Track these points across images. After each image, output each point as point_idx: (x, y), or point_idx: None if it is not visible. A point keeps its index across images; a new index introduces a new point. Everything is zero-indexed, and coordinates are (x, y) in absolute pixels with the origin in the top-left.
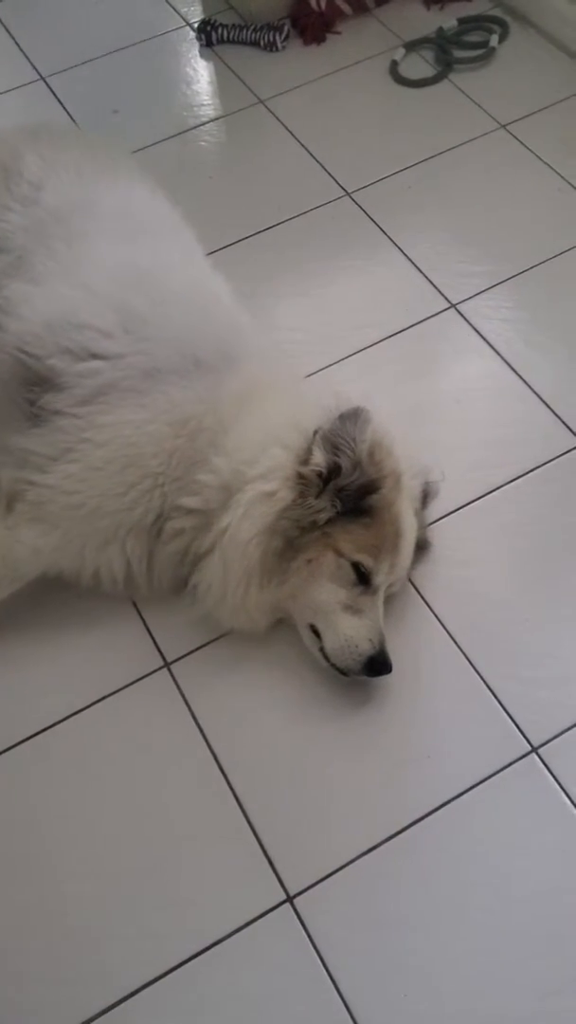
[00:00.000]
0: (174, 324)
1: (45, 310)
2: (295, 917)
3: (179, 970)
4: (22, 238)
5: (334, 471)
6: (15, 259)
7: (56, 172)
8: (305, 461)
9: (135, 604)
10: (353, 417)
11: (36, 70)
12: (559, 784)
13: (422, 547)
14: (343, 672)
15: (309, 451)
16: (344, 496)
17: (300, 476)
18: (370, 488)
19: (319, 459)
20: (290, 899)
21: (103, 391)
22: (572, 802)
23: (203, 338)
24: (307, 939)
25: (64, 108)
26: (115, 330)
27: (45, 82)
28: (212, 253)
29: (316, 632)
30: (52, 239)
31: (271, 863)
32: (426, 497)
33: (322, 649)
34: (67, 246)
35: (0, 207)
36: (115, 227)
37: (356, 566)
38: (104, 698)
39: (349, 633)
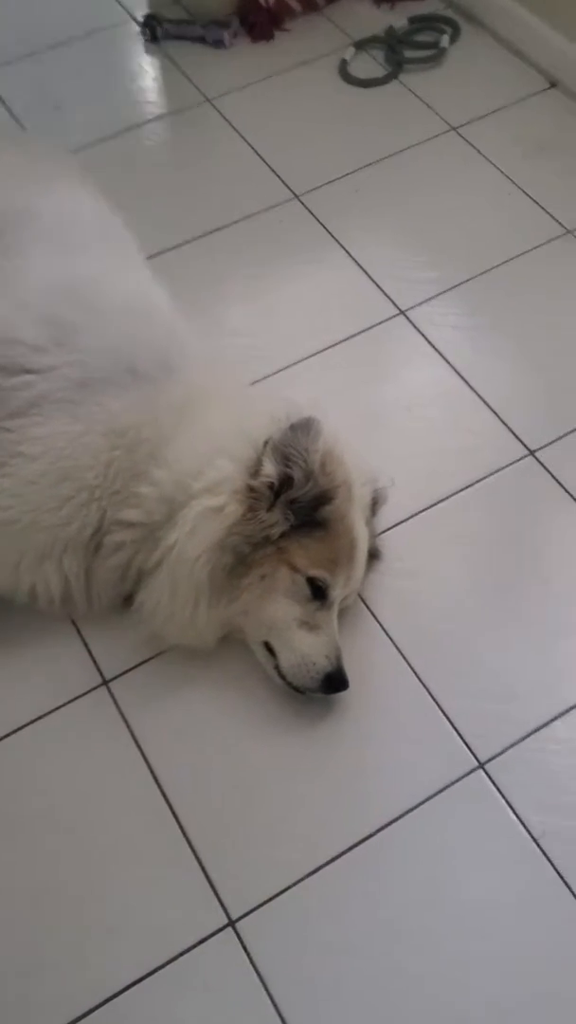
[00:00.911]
0: (108, 334)
1: None
2: (237, 942)
3: (116, 999)
4: None
5: (285, 483)
6: None
7: None
8: (255, 473)
9: (73, 620)
10: (305, 427)
11: None
12: (506, 800)
13: (373, 557)
14: (299, 690)
15: (259, 462)
16: (296, 508)
17: (250, 489)
18: (323, 499)
19: (270, 470)
20: (232, 923)
21: (36, 403)
22: (519, 818)
23: (140, 347)
24: (250, 964)
25: (4, 104)
26: (47, 344)
27: None
28: (156, 256)
29: (270, 649)
30: None
31: (212, 886)
32: (376, 504)
33: (277, 667)
34: (2, 259)
35: None
36: (51, 236)
37: (311, 581)
38: (40, 718)
39: (306, 650)
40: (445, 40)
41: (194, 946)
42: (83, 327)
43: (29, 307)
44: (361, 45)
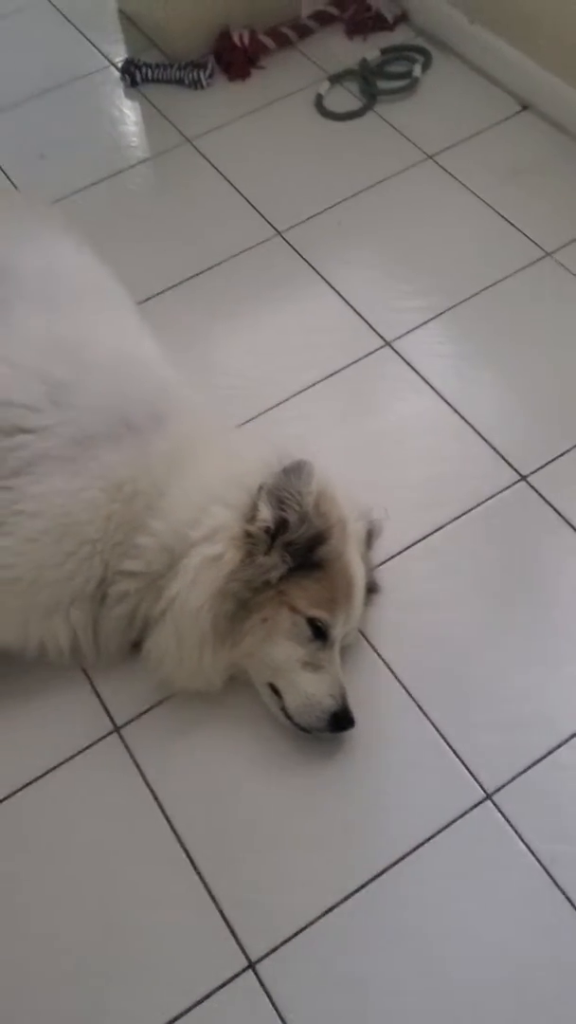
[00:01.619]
0: (101, 390)
1: None
2: (258, 984)
3: None
4: None
5: (281, 526)
6: None
7: None
8: (251, 518)
9: (83, 668)
10: (297, 470)
11: None
12: (514, 829)
13: (371, 590)
14: (306, 730)
15: (254, 507)
16: (293, 551)
17: (247, 534)
18: (319, 540)
19: (266, 515)
20: (252, 965)
21: (33, 462)
22: (528, 847)
23: (131, 400)
24: (271, 1006)
25: None
26: (42, 403)
27: None
28: (144, 302)
29: (275, 690)
30: None
31: (231, 928)
32: (371, 537)
33: (283, 708)
34: None
35: None
36: (37, 292)
37: (312, 621)
38: (54, 768)
39: (310, 690)
40: (417, 69)
41: (216, 990)
42: (75, 384)
43: (19, 367)
44: (336, 78)
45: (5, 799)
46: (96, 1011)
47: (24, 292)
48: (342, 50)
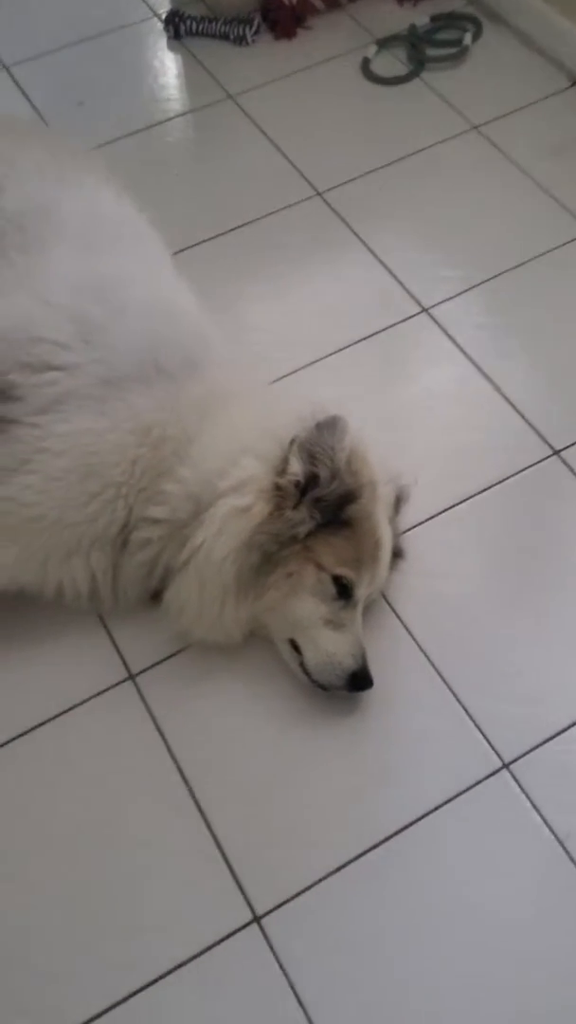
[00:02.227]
0: (134, 332)
1: (2, 323)
2: (262, 938)
3: (142, 993)
4: None
5: (311, 481)
6: None
7: (17, 174)
8: (281, 471)
9: (100, 614)
10: (331, 426)
11: (0, 59)
12: (530, 800)
13: (397, 556)
14: (324, 688)
15: (285, 461)
16: (322, 507)
17: (277, 487)
18: (349, 498)
19: (296, 469)
20: (257, 919)
21: (61, 400)
22: (543, 819)
23: (165, 345)
24: (275, 961)
25: (28, 99)
26: (73, 341)
27: (8, 72)
28: (178, 253)
29: (295, 647)
30: (11, 248)
31: (238, 882)
32: (398, 502)
33: (302, 664)
34: (26, 255)
35: None
36: (76, 233)
37: (337, 580)
38: (66, 712)
39: (331, 649)
40: (468, 38)
41: (220, 941)
42: (108, 324)
43: (54, 304)
44: (383, 43)
45: (16, 738)
46: (97, 955)
47: (63, 232)
48: (391, 15)
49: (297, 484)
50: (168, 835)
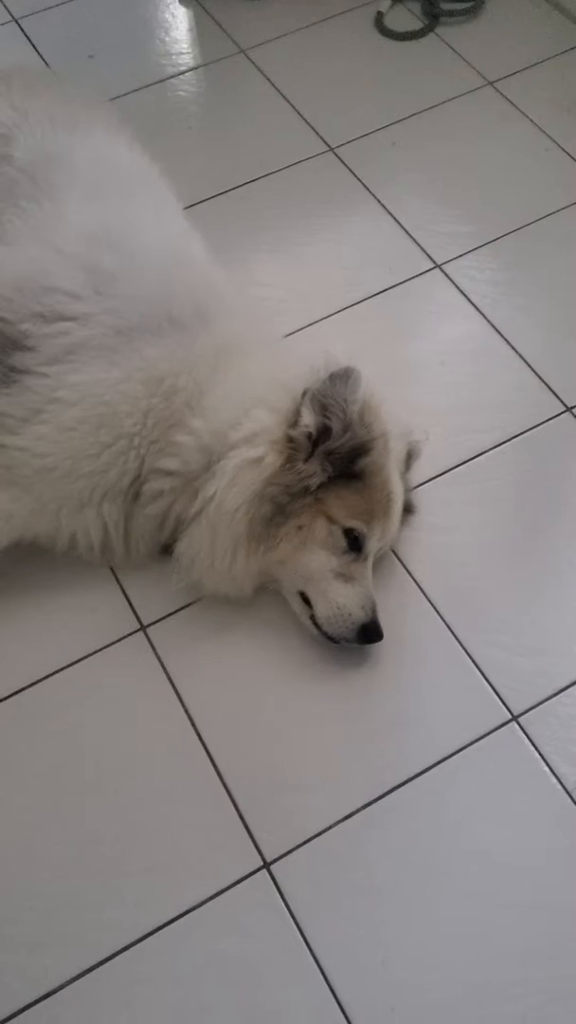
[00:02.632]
0: (146, 282)
1: (14, 272)
2: (272, 884)
3: (154, 936)
4: None
5: (324, 433)
6: None
7: (28, 123)
8: (293, 423)
9: (111, 568)
10: (344, 377)
11: (9, 11)
12: (539, 752)
13: (407, 511)
14: (334, 640)
15: (297, 412)
16: (334, 459)
17: (289, 439)
18: (361, 451)
19: (308, 420)
20: (267, 865)
21: (73, 350)
22: (551, 770)
23: (177, 296)
24: (284, 906)
25: (37, 51)
26: (85, 291)
27: (18, 24)
28: (190, 207)
29: (306, 599)
30: (22, 198)
31: (248, 828)
32: (410, 458)
33: (312, 617)
34: (38, 204)
35: None
36: (88, 183)
37: (348, 532)
38: (78, 661)
39: (341, 601)
40: None
41: (229, 887)
42: (120, 274)
43: (66, 254)
44: None
45: (30, 686)
46: (110, 899)
47: (74, 181)
48: None
49: (309, 436)
50: (179, 783)
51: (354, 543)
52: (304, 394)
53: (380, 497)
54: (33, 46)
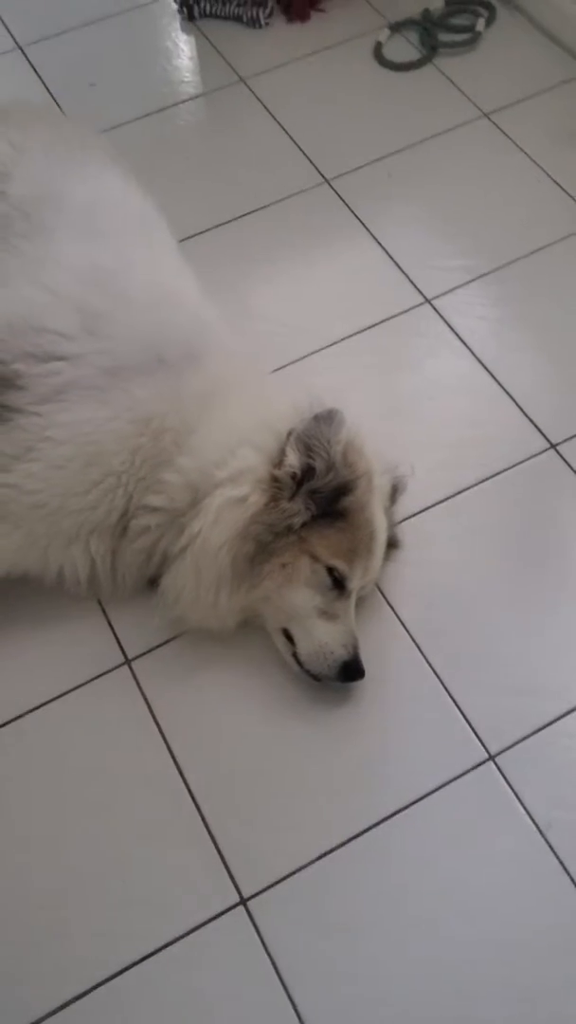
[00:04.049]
0: (137, 323)
1: (7, 312)
2: (248, 920)
3: (131, 971)
4: None
5: (307, 473)
6: None
7: (24, 160)
8: (278, 463)
9: (99, 600)
10: (328, 418)
11: (13, 39)
12: (514, 793)
13: (391, 546)
14: (315, 677)
15: (282, 452)
16: (318, 499)
17: (273, 479)
18: (344, 490)
19: (293, 460)
20: (244, 901)
21: (64, 390)
22: (526, 811)
23: (167, 337)
24: (260, 943)
25: (41, 79)
26: (76, 332)
27: (22, 51)
28: (185, 239)
29: (288, 636)
30: (16, 236)
31: (226, 864)
32: (395, 492)
33: (295, 654)
34: (31, 243)
35: None
36: (82, 222)
37: (331, 571)
38: (63, 694)
39: (324, 639)
40: (481, 24)
41: (206, 923)
42: (112, 315)
43: (58, 294)
44: (397, 27)
45: (13, 720)
46: (87, 932)
47: (68, 219)
48: None
49: (293, 476)
50: (159, 817)
51: (337, 581)
52: (289, 434)
53: (363, 536)
54: (37, 74)
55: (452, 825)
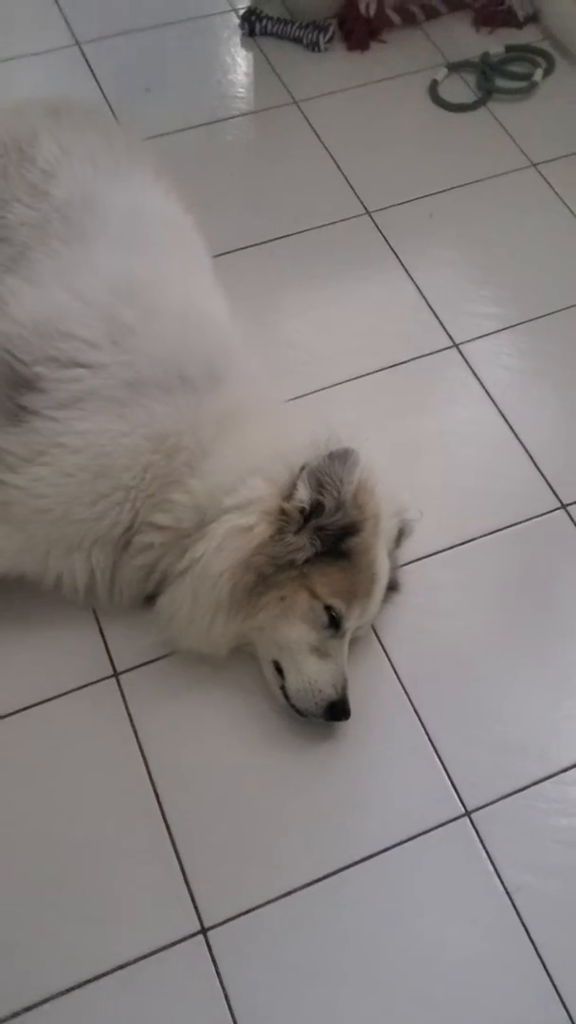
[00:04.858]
0: (163, 338)
1: (36, 313)
2: (206, 950)
3: (81, 989)
4: (26, 233)
5: (316, 509)
6: (16, 253)
7: (70, 162)
8: (288, 496)
9: (93, 609)
10: (343, 457)
11: (73, 34)
12: (486, 851)
13: (391, 588)
14: (301, 713)
15: (293, 486)
16: (323, 536)
17: (281, 511)
18: (351, 530)
19: (303, 495)
20: (204, 931)
21: (83, 398)
22: (496, 872)
23: (191, 356)
24: (215, 973)
25: (95, 78)
26: (102, 340)
27: (80, 48)
28: (222, 255)
29: (279, 669)
30: (54, 238)
31: (190, 891)
32: (401, 536)
33: (283, 687)
34: (68, 247)
35: (10, 196)
36: (120, 231)
37: (329, 609)
38: (48, 700)
39: (314, 676)
40: (539, 74)
41: (164, 948)
42: (139, 328)
43: (88, 301)
44: (454, 67)
45: None
46: (49, 945)
47: (107, 228)
48: (466, 39)
49: (302, 511)
50: (128, 835)
51: (333, 620)
52: (302, 469)
53: (364, 578)
54: (92, 72)
55: (421, 877)
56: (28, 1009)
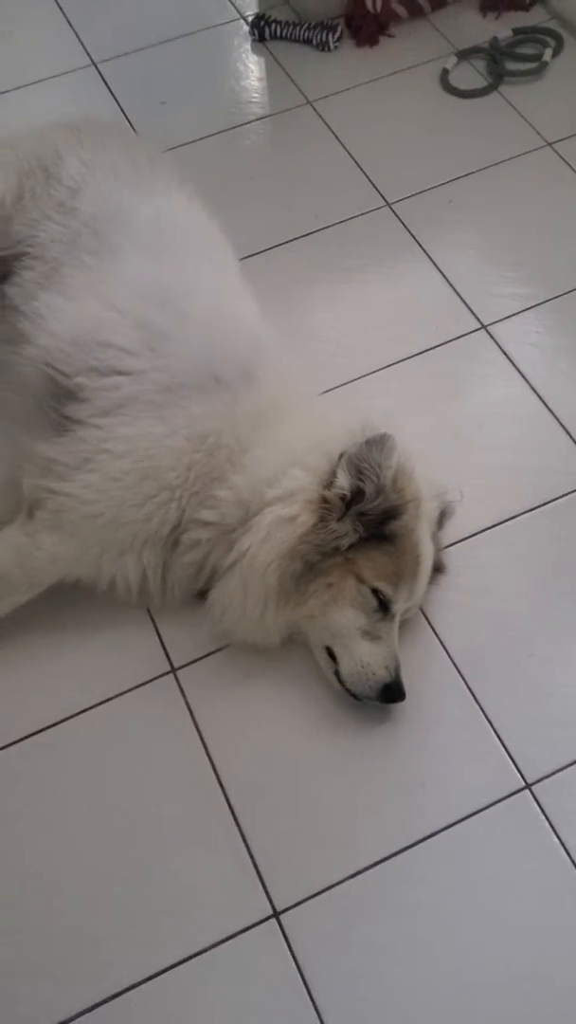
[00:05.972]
0: (196, 341)
1: (73, 326)
2: (280, 933)
3: (161, 976)
4: (58, 249)
5: (357, 496)
6: (50, 269)
7: (94, 177)
8: (328, 484)
9: (148, 609)
10: (380, 443)
11: (88, 55)
12: (549, 823)
13: (437, 570)
14: (356, 696)
15: (333, 474)
16: (366, 521)
17: (323, 499)
18: (392, 514)
19: (343, 483)
20: (276, 915)
21: (123, 404)
22: (560, 841)
23: (225, 357)
24: (291, 957)
25: (113, 95)
26: (139, 348)
27: (96, 68)
28: (249, 257)
29: (331, 654)
30: (84, 252)
31: (260, 877)
32: (443, 518)
33: (337, 672)
34: (99, 259)
35: (39, 215)
36: (147, 241)
37: (376, 593)
38: (108, 700)
39: (366, 659)
40: (548, 53)
41: (238, 933)
42: (173, 333)
43: (122, 310)
44: (463, 55)
45: (58, 723)
46: (122, 937)
47: (135, 238)
48: (473, 26)
49: (343, 498)
50: (197, 826)
51: (381, 603)
52: (341, 457)
53: (409, 560)
54: (110, 90)
55: (486, 852)
56: (114, 997)
